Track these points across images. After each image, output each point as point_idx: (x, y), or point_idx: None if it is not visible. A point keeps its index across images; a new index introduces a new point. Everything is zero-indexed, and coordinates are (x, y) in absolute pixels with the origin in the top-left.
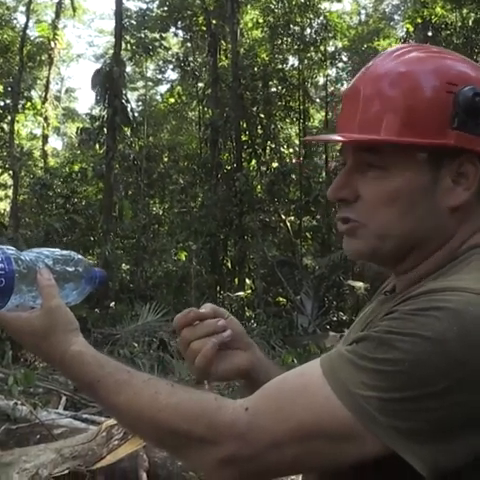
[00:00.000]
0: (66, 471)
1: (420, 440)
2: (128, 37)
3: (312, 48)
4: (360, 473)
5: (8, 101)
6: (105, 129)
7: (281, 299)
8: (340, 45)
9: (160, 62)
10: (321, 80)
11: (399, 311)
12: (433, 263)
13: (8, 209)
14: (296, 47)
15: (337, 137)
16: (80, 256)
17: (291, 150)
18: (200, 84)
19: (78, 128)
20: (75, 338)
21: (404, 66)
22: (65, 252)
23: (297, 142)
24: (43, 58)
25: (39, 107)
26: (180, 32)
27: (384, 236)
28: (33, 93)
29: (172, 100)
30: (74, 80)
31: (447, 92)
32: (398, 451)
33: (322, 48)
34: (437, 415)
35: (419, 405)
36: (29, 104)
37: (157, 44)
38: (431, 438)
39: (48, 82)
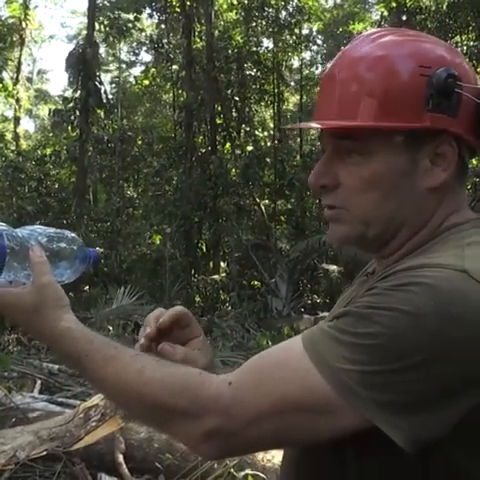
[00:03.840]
0: (44, 453)
1: (399, 412)
2: (101, 18)
3: (287, 31)
4: (339, 450)
5: None
6: (78, 111)
7: (256, 282)
8: (315, 28)
9: (134, 44)
10: (296, 63)
11: (379, 287)
12: (414, 244)
13: None
14: (271, 30)
15: (315, 124)
16: (74, 235)
17: (266, 133)
18: (174, 66)
19: (51, 110)
20: (65, 315)
21: (380, 50)
22: (59, 230)
23: (272, 125)
24: (14, 39)
25: (11, 88)
26: (154, 13)
27: (368, 221)
28: (4, 74)
29: (146, 82)
30: (46, 61)
31: (421, 75)
32: (378, 423)
33: (297, 31)
34: (415, 387)
35: (398, 377)
36: (0, 85)
37: (131, 25)
38: (410, 410)
39: (19, 63)
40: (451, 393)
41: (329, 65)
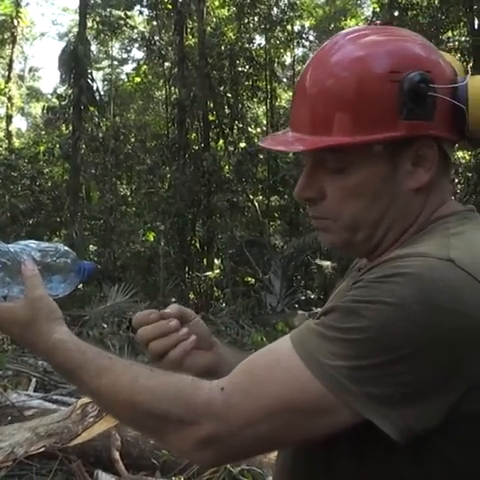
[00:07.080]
0: (42, 449)
1: (390, 404)
2: (93, 15)
3: (279, 27)
4: (334, 447)
5: None
6: (71, 109)
7: (250, 279)
8: (307, 24)
9: (125, 41)
10: (288, 60)
11: (364, 280)
12: (402, 242)
13: None
14: (263, 26)
15: (296, 147)
16: (67, 248)
17: (259, 130)
18: (166, 63)
19: (44, 106)
20: (58, 327)
21: (350, 58)
22: (52, 244)
23: (265, 122)
24: (6, 36)
25: (2, 87)
26: (146, 10)
27: (354, 228)
28: None
29: (138, 79)
30: (38, 59)
31: (392, 82)
32: (370, 417)
33: (289, 27)
34: (405, 379)
35: (387, 370)
36: None
37: (122, 23)
38: (400, 401)
39: (11, 61)
40: (440, 384)
41: (302, 71)
